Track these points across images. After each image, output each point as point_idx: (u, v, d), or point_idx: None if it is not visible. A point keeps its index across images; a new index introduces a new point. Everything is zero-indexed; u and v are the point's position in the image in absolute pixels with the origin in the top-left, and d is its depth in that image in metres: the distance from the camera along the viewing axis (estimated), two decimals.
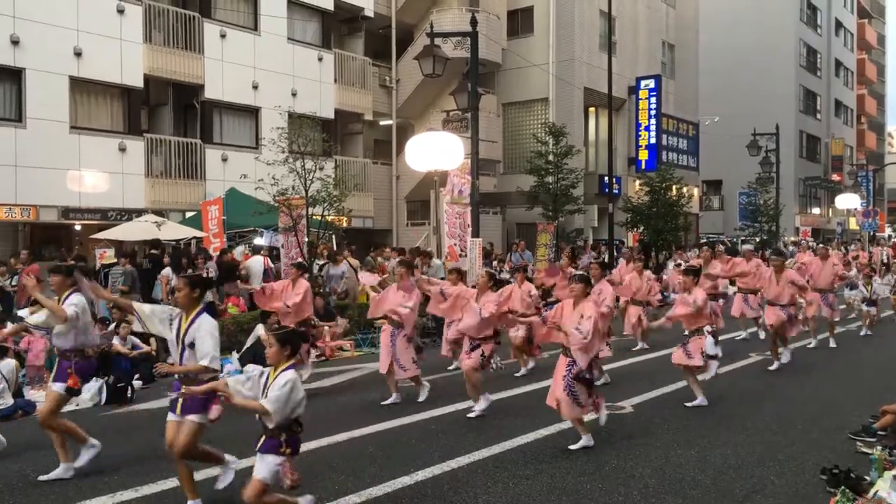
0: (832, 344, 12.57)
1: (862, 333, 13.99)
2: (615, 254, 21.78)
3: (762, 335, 13.25)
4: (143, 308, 5.61)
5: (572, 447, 6.63)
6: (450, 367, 10.82)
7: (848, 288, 16.17)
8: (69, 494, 5.66)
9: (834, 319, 12.97)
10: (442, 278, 13.55)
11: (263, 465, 4.62)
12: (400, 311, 8.45)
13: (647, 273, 13.17)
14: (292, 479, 4.58)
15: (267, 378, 4.69)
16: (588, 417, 6.99)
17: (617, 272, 13.55)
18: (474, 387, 7.92)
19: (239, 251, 15.91)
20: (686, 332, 8.36)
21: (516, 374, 10.20)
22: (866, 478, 5.47)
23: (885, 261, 20.14)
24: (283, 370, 4.64)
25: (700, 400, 8.22)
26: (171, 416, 5.33)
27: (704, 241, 32.04)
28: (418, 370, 8.72)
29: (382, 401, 8.66)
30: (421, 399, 8.66)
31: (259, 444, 4.70)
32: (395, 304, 8.51)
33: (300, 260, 10.00)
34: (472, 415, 7.85)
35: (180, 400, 5.19)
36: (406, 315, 8.47)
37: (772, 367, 10.47)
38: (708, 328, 8.24)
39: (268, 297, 9.28)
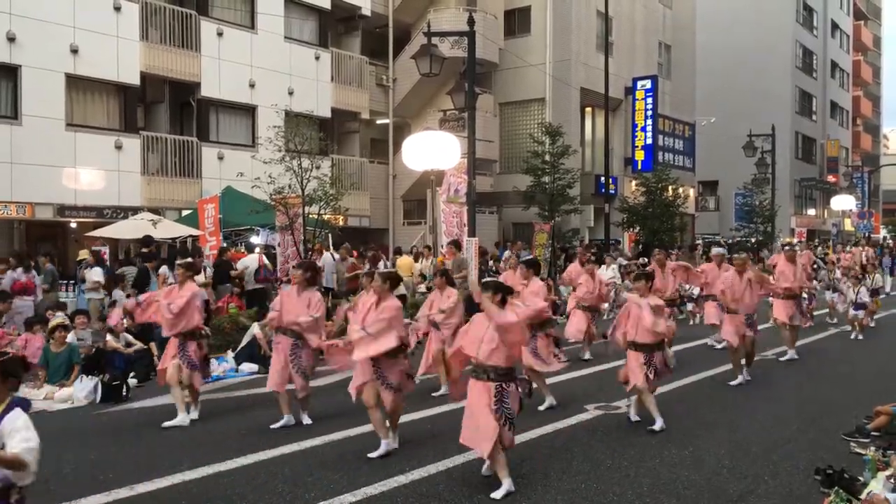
0: (791, 354, 11.37)
1: (852, 337, 13.92)
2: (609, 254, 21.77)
3: (717, 345, 12.11)
4: None
5: (496, 496, 5.44)
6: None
7: (829, 290, 16.10)
8: (64, 493, 5.65)
9: (793, 323, 11.49)
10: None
11: None
12: (301, 320, 7.45)
13: (600, 275, 12.36)
14: None
15: None
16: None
17: (567, 274, 12.49)
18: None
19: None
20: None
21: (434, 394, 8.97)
22: (860, 478, 5.49)
23: (864, 262, 19.92)
24: (7, 408, 3.52)
25: (660, 423, 7.24)
26: None
27: (699, 241, 32.21)
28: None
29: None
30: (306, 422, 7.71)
31: None
32: (295, 314, 7.49)
33: (189, 259, 8.66)
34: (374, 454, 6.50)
35: None
36: (308, 324, 7.48)
37: (733, 383, 9.46)
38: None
39: (143, 309, 8.11)
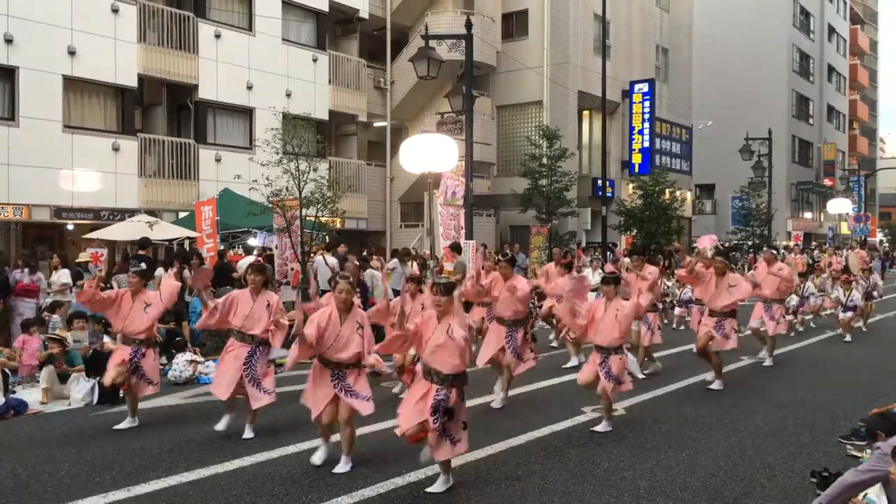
0: (768, 362, 11.26)
1: (847, 339, 13.95)
2: (607, 257, 21.79)
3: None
4: None
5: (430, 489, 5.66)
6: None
7: (815, 294, 16.04)
8: (61, 494, 5.65)
9: (778, 332, 11.51)
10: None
11: None
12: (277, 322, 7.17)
13: (571, 275, 12.17)
14: None
15: None
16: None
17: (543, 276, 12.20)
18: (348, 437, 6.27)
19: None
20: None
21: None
22: None
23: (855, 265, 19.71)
24: None
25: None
26: None
27: (696, 244, 32.23)
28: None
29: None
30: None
31: None
32: (258, 318, 7.17)
33: (142, 265, 7.90)
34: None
35: None
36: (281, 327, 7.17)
37: (712, 386, 9.43)
38: (626, 344, 7.04)
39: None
